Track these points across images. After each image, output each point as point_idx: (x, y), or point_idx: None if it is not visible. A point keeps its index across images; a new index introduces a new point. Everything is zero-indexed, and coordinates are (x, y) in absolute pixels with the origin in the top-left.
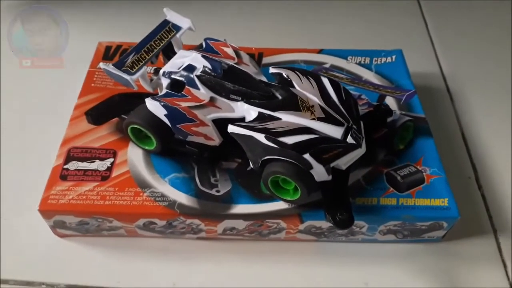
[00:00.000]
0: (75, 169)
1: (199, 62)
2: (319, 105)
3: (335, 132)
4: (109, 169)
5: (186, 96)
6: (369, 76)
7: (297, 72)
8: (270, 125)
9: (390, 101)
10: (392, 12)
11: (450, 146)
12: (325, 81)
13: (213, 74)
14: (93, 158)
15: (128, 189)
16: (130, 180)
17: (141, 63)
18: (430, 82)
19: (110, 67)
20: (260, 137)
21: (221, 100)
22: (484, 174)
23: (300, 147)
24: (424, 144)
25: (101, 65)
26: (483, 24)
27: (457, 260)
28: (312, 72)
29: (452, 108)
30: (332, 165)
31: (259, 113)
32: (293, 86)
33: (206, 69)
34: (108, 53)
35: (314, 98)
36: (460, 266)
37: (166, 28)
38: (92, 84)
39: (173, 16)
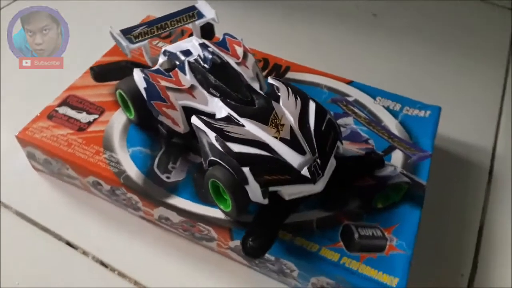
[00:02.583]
0: (63, 114)
1: (197, 49)
2: (291, 126)
3: (292, 158)
4: (89, 123)
5: (171, 77)
6: (391, 123)
7: (289, 88)
8: (229, 128)
9: (398, 156)
10: (465, 64)
11: (457, 232)
12: (312, 106)
13: (202, 64)
14: (83, 109)
15: (93, 146)
16: (99, 139)
17: (146, 36)
18: (473, 155)
19: (115, 31)
20: (212, 136)
21: (200, 91)
22: (483, 278)
23: (243, 158)
24: (407, 213)
25: (109, 28)
26: None
27: None
28: (303, 93)
29: (484, 193)
30: (273, 189)
31: (228, 114)
32: (278, 100)
33: (199, 58)
34: None
35: (290, 118)
36: None
37: (190, 13)
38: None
39: (202, 5)
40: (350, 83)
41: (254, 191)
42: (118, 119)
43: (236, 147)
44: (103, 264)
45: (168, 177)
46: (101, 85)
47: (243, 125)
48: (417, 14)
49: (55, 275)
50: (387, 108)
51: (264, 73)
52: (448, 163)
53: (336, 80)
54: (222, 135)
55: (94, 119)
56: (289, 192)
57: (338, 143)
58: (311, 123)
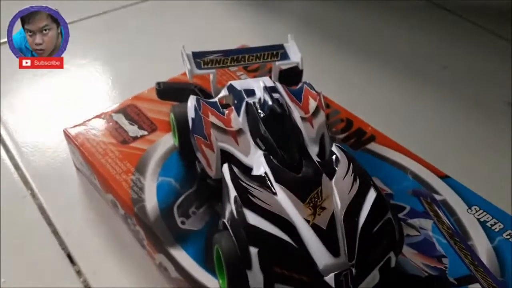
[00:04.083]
0: (116, 121)
1: (261, 92)
2: (333, 213)
3: (320, 255)
4: (135, 138)
5: (223, 115)
6: (481, 245)
7: (352, 165)
8: (256, 192)
9: None
10: None
11: None
12: (371, 196)
13: (258, 110)
14: (136, 122)
15: (126, 164)
16: (136, 158)
17: (216, 65)
18: None
19: (186, 51)
20: (233, 194)
21: (245, 138)
22: None
23: (255, 235)
24: None
25: (181, 47)
26: None
27: None
28: (367, 177)
29: None
30: (280, 287)
31: (264, 174)
32: (331, 176)
33: (258, 102)
34: None
35: (338, 202)
36: None
37: (274, 51)
38: None
39: (290, 46)
40: (445, 177)
41: (256, 280)
42: (164, 142)
43: (253, 218)
44: None
45: (183, 222)
46: (165, 103)
47: (275, 193)
48: None
49: (42, 283)
50: (483, 224)
51: (343, 136)
52: None
53: (427, 169)
54: (244, 198)
55: (142, 135)
56: None
57: (391, 254)
58: (362, 217)
